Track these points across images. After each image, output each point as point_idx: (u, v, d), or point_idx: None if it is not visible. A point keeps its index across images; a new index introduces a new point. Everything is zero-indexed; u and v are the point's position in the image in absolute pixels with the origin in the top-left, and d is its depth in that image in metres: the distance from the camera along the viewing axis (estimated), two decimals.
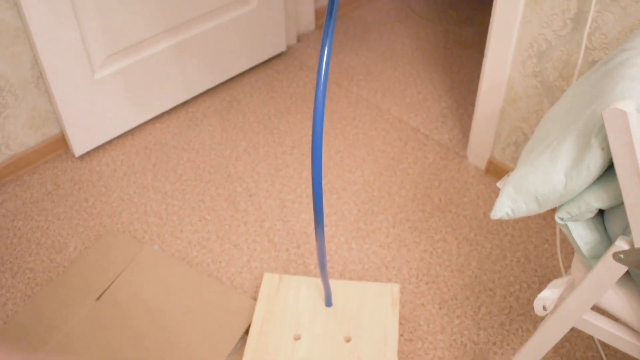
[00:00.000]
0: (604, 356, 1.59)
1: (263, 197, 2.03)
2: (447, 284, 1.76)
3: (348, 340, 1.59)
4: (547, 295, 1.13)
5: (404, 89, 2.46)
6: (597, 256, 1.06)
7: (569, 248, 1.83)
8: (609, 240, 1.06)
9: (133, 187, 2.07)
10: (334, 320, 1.63)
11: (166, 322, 1.66)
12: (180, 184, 2.08)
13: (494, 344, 1.62)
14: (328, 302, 1.65)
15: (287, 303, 1.67)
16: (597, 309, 1.55)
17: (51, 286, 1.75)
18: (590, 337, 1.63)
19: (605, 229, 1.06)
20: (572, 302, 1.11)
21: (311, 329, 1.61)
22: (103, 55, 2.05)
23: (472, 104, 2.38)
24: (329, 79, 2.49)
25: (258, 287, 1.76)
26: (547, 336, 1.20)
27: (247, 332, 1.64)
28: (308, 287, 1.71)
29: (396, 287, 1.70)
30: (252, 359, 1.55)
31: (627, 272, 1.08)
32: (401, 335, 1.64)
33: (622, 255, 0.98)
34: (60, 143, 2.17)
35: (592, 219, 1.06)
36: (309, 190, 2.04)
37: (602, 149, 0.90)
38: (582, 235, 1.05)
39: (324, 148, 2.21)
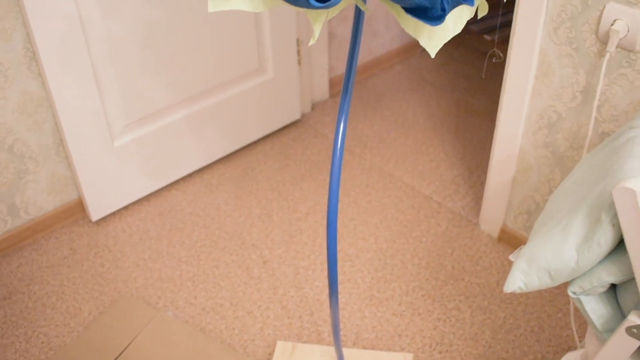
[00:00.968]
0: None
1: (277, 264, 2.04)
2: (460, 353, 1.76)
3: None
4: None
5: (416, 157, 2.49)
6: (610, 330, 1.07)
7: (582, 318, 1.83)
8: (622, 314, 1.06)
9: (148, 252, 2.09)
10: None
11: None
12: (195, 250, 2.10)
13: None
14: None
15: None
16: None
17: (65, 351, 1.76)
18: None
19: (618, 302, 1.07)
20: None
21: None
22: (122, 123, 2.10)
23: (484, 171, 2.40)
24: None
25: (271, 354, 1.76)
26: None
27: None
28: (321, 356, 1.70)
29: (410, 357, 1.69)
30: None
31: None
32: None
33: (635, 330, 0.98)
34: (78, 208, 2.21)
35: (605, 292, 1.06)
36: (322, 257, 2.05)
37: (613, 225, 0.92)
38: (595, 310, 1.05)
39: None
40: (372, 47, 2.98)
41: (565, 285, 1.95)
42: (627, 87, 1.56)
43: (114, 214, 2.24)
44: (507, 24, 3.25)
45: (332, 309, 1.42)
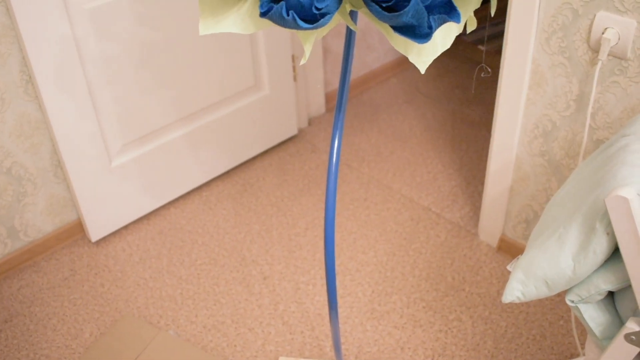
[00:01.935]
0: None
1: (277, 280, 2.04)
2: None
3: None
4: None
5: (414, 169, 2.50)
6: (609, 337, 1.07)
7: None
8: (620, 321, 1.07)
9: (148, 271, 2.09)
10: None
11: None
12: (195, 268, 2.10)
13: None
14: None
15: None
16: None
17: None
18: None
19: (616, 310, 1.07)
20: None
21: None
22: (120, 143, 2.11)
23: (482, 181, 2.41)
24: (340, 161, 2.53)
25: None
26: None
27: None
28: None
29: None
30: None
31: None
32: None
33: (633, 337, 0.99)
34: (77, 229, 2.21)
35: (602, 300, 1.07)
36: (322, 272, 2.06)
37: (607, 233, 0.92)
38: (594, 317, 1.05)
39: (336, 230, 2.23)
40: (367, 61, 2.99)
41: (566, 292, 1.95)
42: (619, 94, 1.57)
43: (113, 233, 2.25)
44: (501, 34, 3.27)
45: (332, 323, 1.43)
